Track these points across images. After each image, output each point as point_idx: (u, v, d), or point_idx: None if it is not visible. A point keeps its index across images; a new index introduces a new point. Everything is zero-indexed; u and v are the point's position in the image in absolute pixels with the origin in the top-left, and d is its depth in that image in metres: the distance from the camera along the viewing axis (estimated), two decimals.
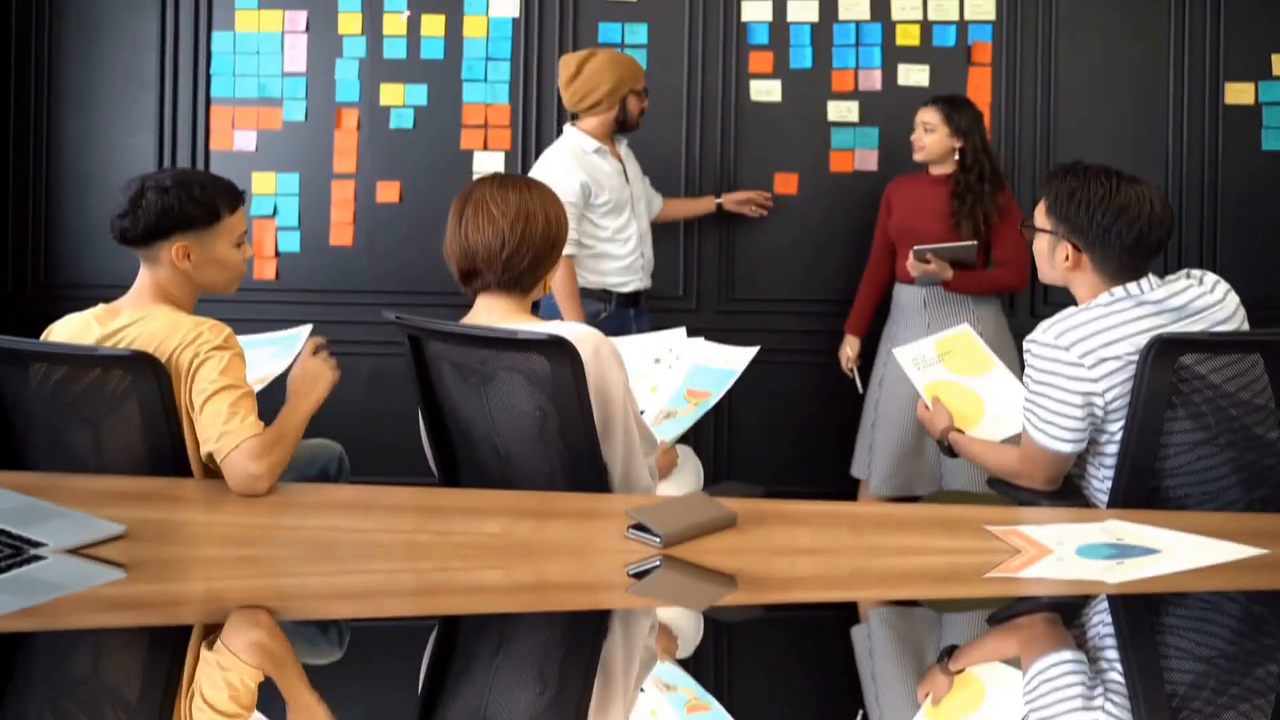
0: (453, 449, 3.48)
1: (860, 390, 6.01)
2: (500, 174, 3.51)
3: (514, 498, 3.07)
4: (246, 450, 3.11)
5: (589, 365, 3.15)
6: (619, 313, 5.66)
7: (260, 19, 6.55)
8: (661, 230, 6.17)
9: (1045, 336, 3.37)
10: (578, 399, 3.09)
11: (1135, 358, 3.23)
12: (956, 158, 5.67)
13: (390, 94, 6.50)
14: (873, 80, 6.40)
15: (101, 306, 3.50)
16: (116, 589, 2.58)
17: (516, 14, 6.49)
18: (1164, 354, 3.15)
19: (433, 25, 6.49)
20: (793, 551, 2.64)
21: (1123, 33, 6.38)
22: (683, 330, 4.57)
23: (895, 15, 6.41)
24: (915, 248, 5.49)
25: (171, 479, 3.22)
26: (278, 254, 6.49)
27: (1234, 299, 3.44)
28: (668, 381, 4.23)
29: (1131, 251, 3.36)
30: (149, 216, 3.40)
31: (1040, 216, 3.56)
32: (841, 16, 6.43)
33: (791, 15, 6.44)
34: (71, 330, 3.45)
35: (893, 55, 6.42)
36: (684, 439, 4.01)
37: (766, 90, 6.40)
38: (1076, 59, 6.39)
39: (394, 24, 6.51)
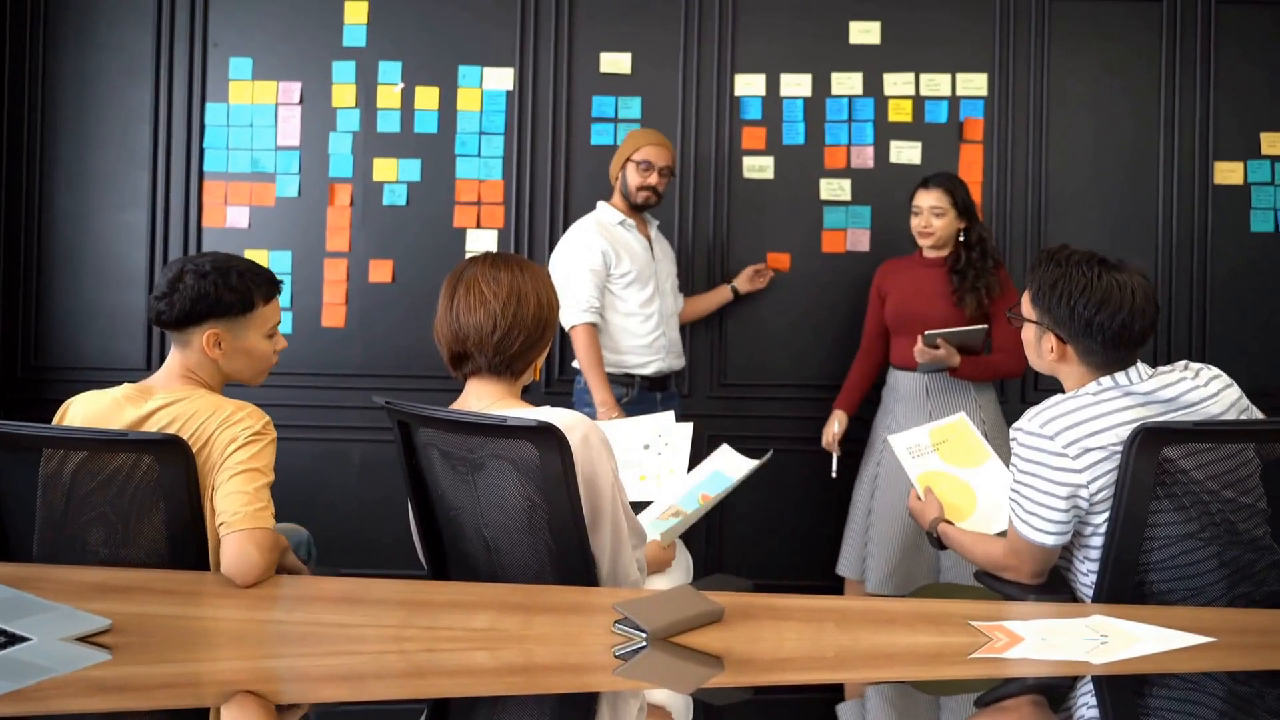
0: (442, 539, 3.43)
1: (833, 473, 5.90)
2: (492, 253, 3.45)
3: (502, 591, 3.05)
4: (258, 538, 3.10)
5: (578, 454, 3.10)
6: (644, 397, 5.67)
7: (254, 90, 6.56)
8: None
9: (1031, 425, 3.35)
10: (566, 488, 3.04)
11: (1120, 449, 3.20)
12: (961, 238, 5.61)
13: (383, 169, 6.49)
14: (865, 157, 6.40)
15: (129, 386, 3.48)
16: (102, 671, 2.55)
17: (511, 87, 6.51)
18: (1147, 444, 3.12)
19: (426, 98, 6.51)
20: (779, 647, 2.63)
21: (1113, 110, 6.41)
22: (671, 414, 4.56)
23: (888, 90, 6.42)
24: (926, 333, 5.38)
25: (158, 571, 3.18)
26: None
27: (1232, 394, 3.38)
28: (674, 479, 4.22)
29: (1115, 344, 3.33)
30: (184, 301, 3.41)
31: (1026, 306, 3.54)
32: (834, 91, 6.45)
33: (785, 90, 6.45)
34: (97, 409, 3.43)
35: (885, 131, 6.43)
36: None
37: (759, 167, 6.41)
38: (1067, 136, 6.41)
39: (388, 96, 6.52)
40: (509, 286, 3.28)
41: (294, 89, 6.53)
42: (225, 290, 3.44)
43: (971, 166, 6.36)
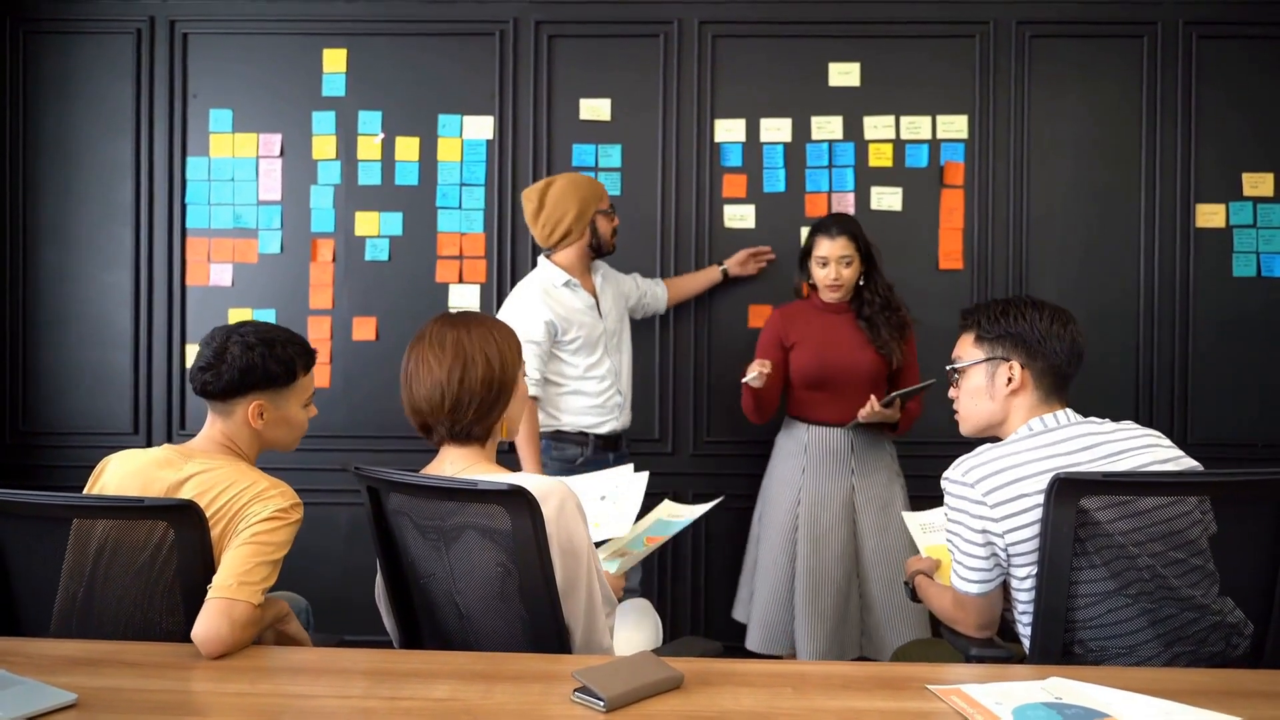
0: (413, 606, 3.41)
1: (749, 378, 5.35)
2: (446, 314, 3.45)
3: (465, 660, 3.03)
4: (235, 612, 3.08)
5: (554, 521, 3.09)
6: (598, 456, 5.53)
7: (235, 143, 6.56)
8: (637, 372, 6.14)
9: (955, 473, 3.39)
10: (538, 552, 3.02)
11: (1040, 494, 3.21)
12: (860, 282, 5.51)
13: (365, 223, 6.49)
14: (846, 204, 6.37)
15: (169, 448, 3.55)
16: None
17: (491, 135, 6.50)
18: (1065, 494, 3.11)
19: (407, 148, 6.51)
20: (736, 716, 2.60)
21: (1094, 150, 6.41)
22: (629, 467, 4.55)
23: (868, 134, 6.40)
24: (890, 395, 5.26)
25: (129, 643, 3.18)
26: None
27: (1164, 454, 3.37)
28: (617, 522, 4.23)
29: (1070, 358, 3.47)
30: (232, 372, 3.50)
31: (969, 351, 3.62)
32: (815, 136, 6.43)
33: (765, 135, 6.44)
34: (135, 468, 3.50)
35: (866, 177, 6.40)
36: (645, 593, 3.98)
37: (740, 216, 6.39)
38: (1048, 179, 6.40)
39: (368, 147, 6.52)
40: (453, 352, 3.29)
41: (274, 141, 6.54)
42: (272, 361, 3.54)
43: (953, 212, 6.36)
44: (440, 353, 3.27)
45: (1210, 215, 6.35)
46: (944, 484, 3.43)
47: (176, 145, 6.56)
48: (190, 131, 6.58)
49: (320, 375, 6.43)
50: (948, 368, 3.74)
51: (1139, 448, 3.35)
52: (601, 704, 2.58)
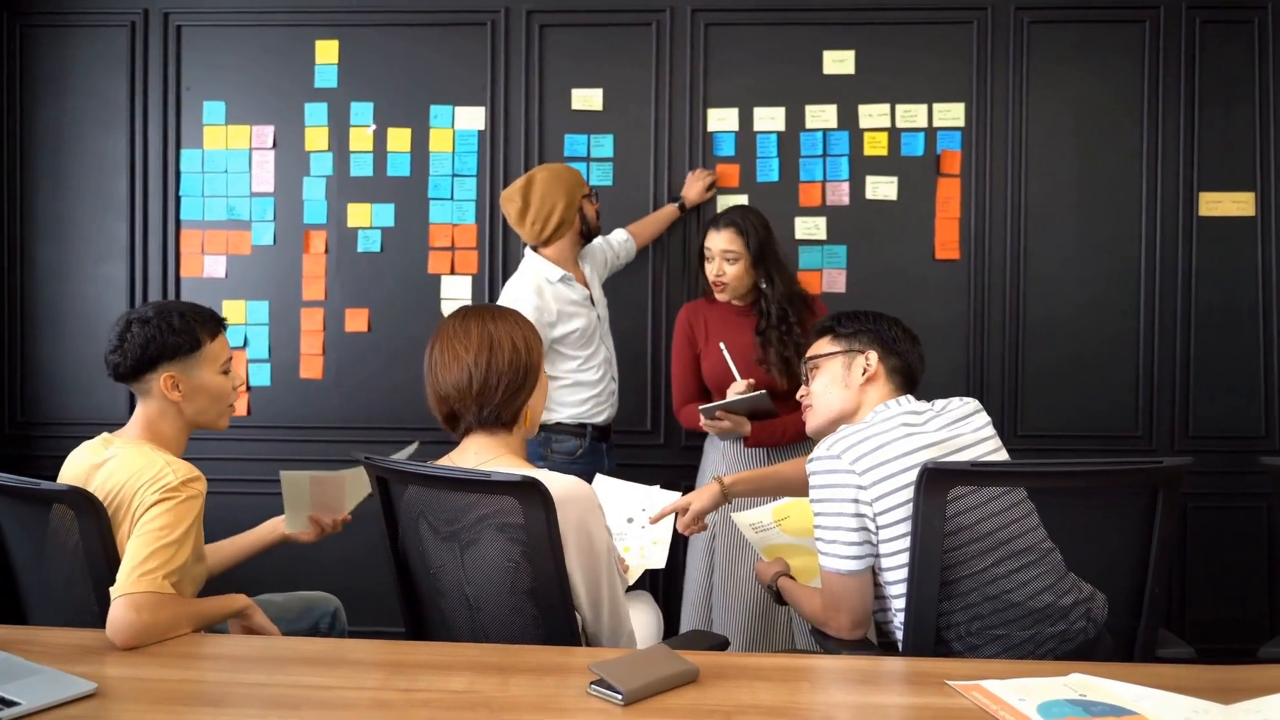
0: (421, 596, 3.40)
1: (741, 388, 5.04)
2: (465, 307, 3.45)
3: (480, 651, 3.03)
4: (133, 603, 3.06)
5: (574, 519, 3.10)
6: (593, 447, 5.51)
7: (228, 135, 6.56)
8: (629, 364, 6.14)
9: (820, 450, 3.43)
10: (550, 544, 3.02)
11: (903, 467, 3.28)
12: (764, 285, 5.23)
13: (357, 215, 6.49)
14: (840, 194, 6.34)
15: (106, 435, 3.59)
16: None
17: (482, 126, 6.49)
18: (935, 484, 3.12)
19: (399, 139, 6.50)
20: (754, 710, 2.58)
21: (1094, 137, 6.37)
22: (657, 487, 4.52)
23: (863, 123, 6.38)
24: (701, 407, 4.97)
25: None
26: (249, 388, 6.46)
27: (984, 415, 3.56)
28: (658, 550, 4.23)
29: (917, 365, 3.67)
30: (134, 349, 3.51)
31: (825, 346, 3.76)
32: (809, 125, 6.40)
33: (758, 124, 6.41)
34: (78, 457, 3.56)
35: (861, 166, 6.36)
36: (641, 584, 3.98)
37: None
38: (1047, 167, 6.36)
39: (360, 139, 6.51)
40: (479, 337, 3.29)
41: (267, 133, 6.53)
42: (170, 332, 3.54)
43: (949, 201, 6.32)
44: (466, 340, 3.28)
45: (1214, 204, 6.31)
46: (809, 466, 3.44)
47: (170, 138, 6.57)
48: (184, 124, 6.58)
49: (313, 366, 6.48)
50: (804, 361, 3.80)
51: (976, 409, 3.56)
52: (620, 697, 2.57)
